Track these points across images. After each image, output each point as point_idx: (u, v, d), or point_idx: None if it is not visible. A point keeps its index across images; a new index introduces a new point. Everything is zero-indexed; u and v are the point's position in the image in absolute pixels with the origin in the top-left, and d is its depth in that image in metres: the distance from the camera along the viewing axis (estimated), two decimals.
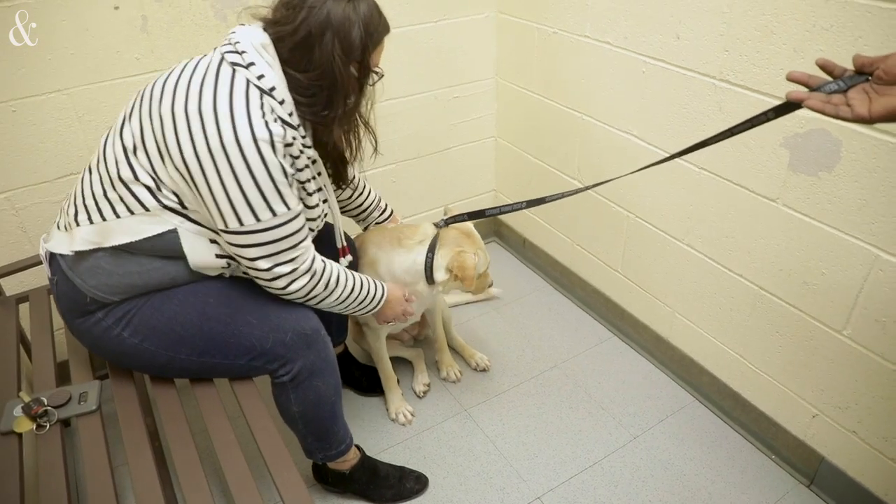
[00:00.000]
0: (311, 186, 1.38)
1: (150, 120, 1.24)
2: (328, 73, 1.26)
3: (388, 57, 2.18)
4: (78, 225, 1.31)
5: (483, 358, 2.17)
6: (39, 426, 1.31)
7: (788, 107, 0.98)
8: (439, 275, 1.68)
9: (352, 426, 1.65)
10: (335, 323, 1.88)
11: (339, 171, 1.56)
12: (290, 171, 1.27)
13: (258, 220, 1.24)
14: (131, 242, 1.29)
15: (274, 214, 1.25)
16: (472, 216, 1.72)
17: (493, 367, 2.16)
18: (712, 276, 1.82)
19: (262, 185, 1.21)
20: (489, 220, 2.82)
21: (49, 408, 1.33)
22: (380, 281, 1.60)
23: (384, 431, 1.94)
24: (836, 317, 1.52)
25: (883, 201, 1.35)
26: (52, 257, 1.36)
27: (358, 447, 1.67)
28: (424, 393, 2.07)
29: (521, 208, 1.61)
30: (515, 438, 1.90)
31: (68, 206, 1.35)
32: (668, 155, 1.37)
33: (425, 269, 1.68)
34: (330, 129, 1.35)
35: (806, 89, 0.94)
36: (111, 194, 1.28)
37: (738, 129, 1.13)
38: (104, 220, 1.29)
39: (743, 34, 1.50)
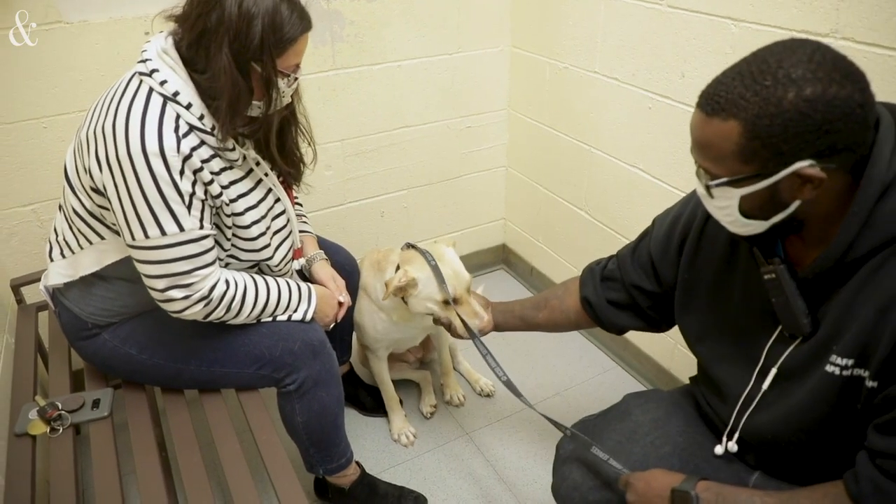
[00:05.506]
0: (240, 199, 1.31)
1: (80, 147, 1.25)
2: (220, 75, 1.17)
3: (404, 86, 2.28)
4: (52, 261, 1.38)
5: (488, 383, 2.20)
6: (53, 429, 1.36)
7: None
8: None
9: (354, 445, 1.68)
10: (338, 342, 1.92)
11: (281, 171, 1.46)
12: (186, 189, 1.20)
13: (147, 236, 1.19)
14: (99, 270, 1.33)
15: (163, 233, 1.19)
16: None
17: (497, 393, 2.18)
18: None
19: (150, 198, 1.17)
20: (498, 249, 2.87)
21: (63, 412, 1.38)
22: (305, 284, 1.51)
23: (386, 451, 1.97)
24: None
25: None
26: (51, 291, 1.43)
27: (358, 464, 1.70)
28: (431, 414, 2.09)
29: (531, 409, 1.44)
30: (516, 464, 1.91)
31: (48, 244, 1.41)
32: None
33: None
34: (256, 134, 1.31)
35: None
36: (73, 228, 1.33)
37: None
38: (73, 252, 1.34)
39: None
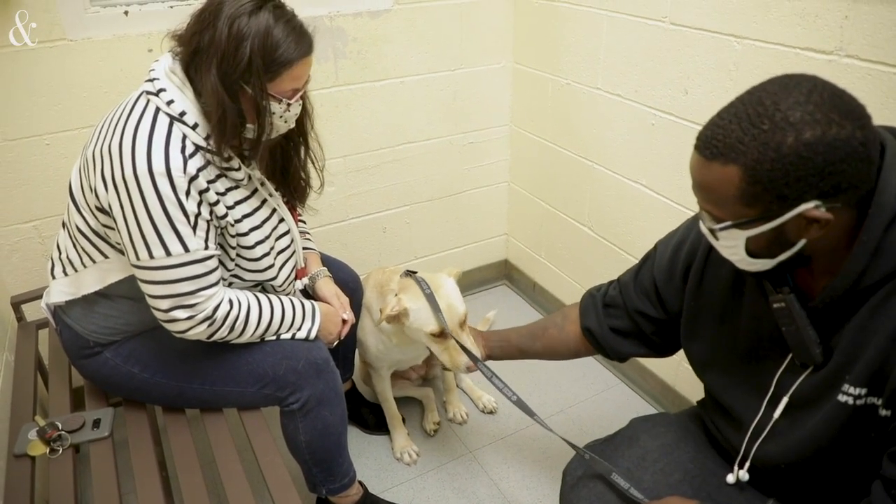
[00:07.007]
0: (244, 219, 1.30)
1: (86, 165, 1.23)
2: (209, 96, 1.14)
3: (406, 102, 2.28)
4: (54, 278, 1.37)
5: (490, 400, 2.18)
6: (52, 450, 1.34)
7: None
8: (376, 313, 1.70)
9: (357, 464, 1.66)
10: (341, 359, 1.90)
11: (285, 192, 1.46)
12: (192, 210, 1.18)
13: (152, 256, 1.18)
14: (102, 288, 1.32)
15: (168, 253, 1.18)
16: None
17: (500, 410, 2.17)
18: None
19: (155, 218, 1.16)
20: (500, 264, 2.86)
21: (63, 432, 1.36)
22: (309, 301, 1.49)
23: (389, 470, 1.94)
24: None
25: None
26: (52, 309, 1.42)
27: (361, 483, 1.68)
28: (435, 431, 2.07)
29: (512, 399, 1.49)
30: (520, 482, 1.89)
31: (49, 261, 1.40)
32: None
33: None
34: (255, 156, 1.27)
35: None
36: (77, 246, 1.31)
37: None
38: (76, 270, 1.33)
39: None
